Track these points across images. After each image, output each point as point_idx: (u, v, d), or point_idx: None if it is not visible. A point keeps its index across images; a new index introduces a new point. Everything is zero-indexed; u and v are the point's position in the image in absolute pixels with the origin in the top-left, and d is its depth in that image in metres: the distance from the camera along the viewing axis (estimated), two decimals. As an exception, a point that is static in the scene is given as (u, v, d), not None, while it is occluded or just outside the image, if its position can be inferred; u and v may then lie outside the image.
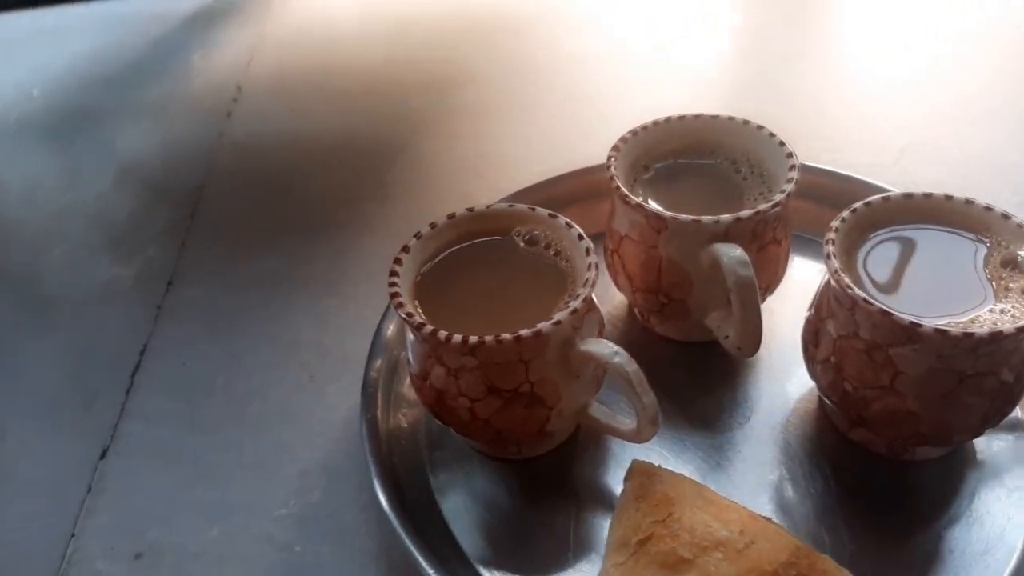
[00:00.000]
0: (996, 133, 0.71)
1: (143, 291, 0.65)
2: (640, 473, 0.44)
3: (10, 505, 0.52)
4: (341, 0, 1.03)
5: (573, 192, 0.62)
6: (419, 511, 0.46)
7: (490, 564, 0.45)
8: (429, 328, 0.42)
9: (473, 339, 0.41)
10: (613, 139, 0.52)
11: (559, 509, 0.47)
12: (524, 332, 0.42)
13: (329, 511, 0.49)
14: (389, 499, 0.45)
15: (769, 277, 0.51)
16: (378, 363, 0.53)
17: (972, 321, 0.41)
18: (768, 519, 0.41)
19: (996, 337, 0.39)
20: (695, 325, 0.52)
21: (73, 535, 0.50)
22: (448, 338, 0.42)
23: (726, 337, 0.49)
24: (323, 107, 0.85)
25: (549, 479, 0.49)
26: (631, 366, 0.42)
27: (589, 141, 0.69)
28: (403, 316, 0.43)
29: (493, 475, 0.49)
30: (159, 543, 0.49)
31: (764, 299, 0.52)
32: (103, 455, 0.54)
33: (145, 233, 0.71)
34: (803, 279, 0.54)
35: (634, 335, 0.56)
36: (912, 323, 0.39)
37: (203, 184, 0.76)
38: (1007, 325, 0.39)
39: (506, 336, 0.41)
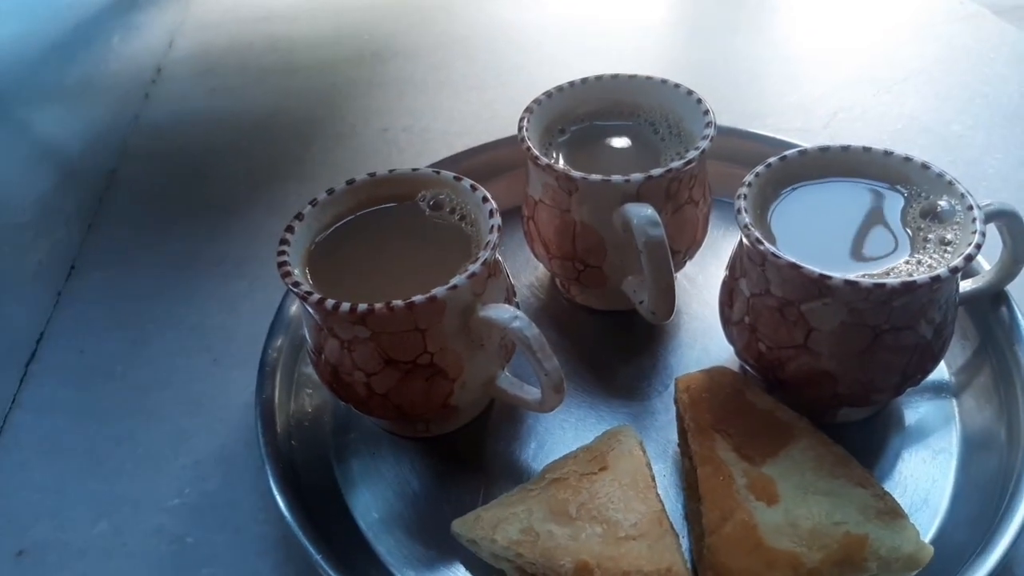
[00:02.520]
0: (926, 95, 0.69)
1: (44, 278, 0.62)
2: (615, 435, 0.42)
3: None
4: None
5: (496, 163, 0.60)
6: (318, 497, 0.44)
7: (392, 552, 0.42)
8: (316, 297, 0.39)
9: (362, 307, 0.39)
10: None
11: (469, 488, 0.44)
12: (417, 298, 0.39)
13: (225, 500, 0.46)
14: (281, 484, 0.42)
15: (687, 240, 0.49)
16: (278, 342, 0.50)
17: (887, 273, 0.38)
18: (676, 535, 0.38)
19: (909, 287, 0.36)
20: (613, 292, 0.49)
21: (-48, 533, 0.47)
22: (336, 307, 0.39)
23: (641, 302, 0.47)
24: (244, 87, 0.82)
25: (459, 457, 0.46)
26: (531, 330, 0.39)
27: (517, 114, 0.66)
28: (289, 286, 0.41)
29: (400, 455, 0.46)
30: (43, 539, 0.46)
31: (683, 264, 0.50)
32: (-10, 448, 0.51)
33: (52, 219, 0.67)
34: (727, 244, 0.52)
35: (555, 306, 0.54)
36: (821, 275, 0.37)
37: (115, 167, 0.72)
38: (921, 275, 0.37)
39: (397, 303, 0.39)
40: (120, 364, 0.55)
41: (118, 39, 0.91)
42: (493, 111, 0.74)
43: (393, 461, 0.46)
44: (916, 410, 0.45)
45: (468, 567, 0.41)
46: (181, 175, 0.71)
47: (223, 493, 0.47)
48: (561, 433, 0.46)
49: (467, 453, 0.46)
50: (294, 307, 0.51)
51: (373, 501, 0.44)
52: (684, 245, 0.48)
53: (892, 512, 0.36)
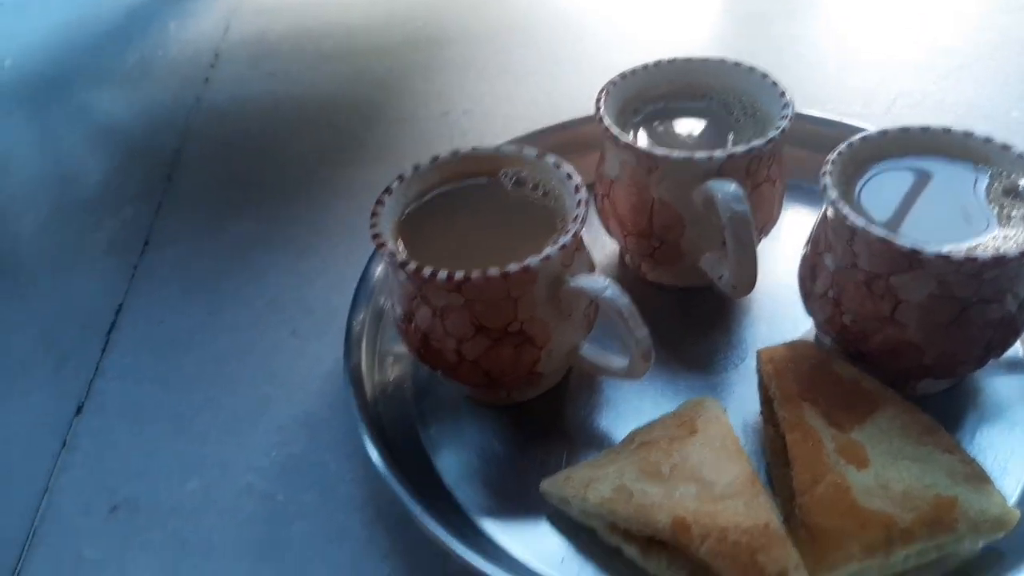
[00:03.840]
0: (984, 82, 0.70)
1: (118, 253, 0.64)
2: (699, 403, 0.43)
3: (-21, 464, 0.50)
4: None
5: (559, 146, 0.59)
6: (406, 458, 0.45)
7: (481, 509, 0.43)
8: (413, 265, 0.41)
9: (459, 275, 0.40)
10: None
11: (551, 453, 0.45)
12: (511, 267, 0.40)
13: (311, 462, 0.48)
14: (374, 444, 0.43)
15: (764, 217, 0.50)
16: (361, 315, 0.51)
17: (975, 248, 0.39)
18: (770, 495, 0.39)
19: (1000, 261, 0.37)
20: (688, 269, 0.50)
21: (47, 491, 0.48)
22: (433, 275, 0.40)
23: (720, 277, 0.48)
24: (302, 71, 0.83)
25: (540, 424, 0.47)
26: (623, 299, 0.41)
27: (574, 99, 0.67)
28: (386, 256, 0.42)
29: (482, 421, 0.48)
30: (135, 497, 0.47)
31: (759, 240, 0.51)
32: (78, 412, 0.52)
33: (120, 196, 0.69)
34: (798, 223, 0.53)
35: (625, 283, 0.54)
36: (913, 249, 0.38)
37: (180, 148, 0.74)
38: (1011, 249, 0.38)
39: (493, 271, 0.40)
40: (199, 334, 0.56)
41: (174, 25, 0.93)
42: (552, 96, 0.75)
43: (475, 426, 0.47)
44: (994, 383, 0.46)
45: (555, 524, 0.42)
46: (244, 157, 0.73)
47: (309, 455, 0.48)
48: (639, 403, 0.47)
49: (547, 420, 0.47)
50: (376, 276, 0.53)
51: (457, 462, 0.46)
52: (761, 222, 0.50)
53: (979, 477, 0.37)
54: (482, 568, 0.38)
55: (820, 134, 0.58)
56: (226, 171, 0.71)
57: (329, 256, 0.61)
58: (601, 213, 0.53)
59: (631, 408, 0.47)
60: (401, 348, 0.50)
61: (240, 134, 0.75)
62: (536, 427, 0.47)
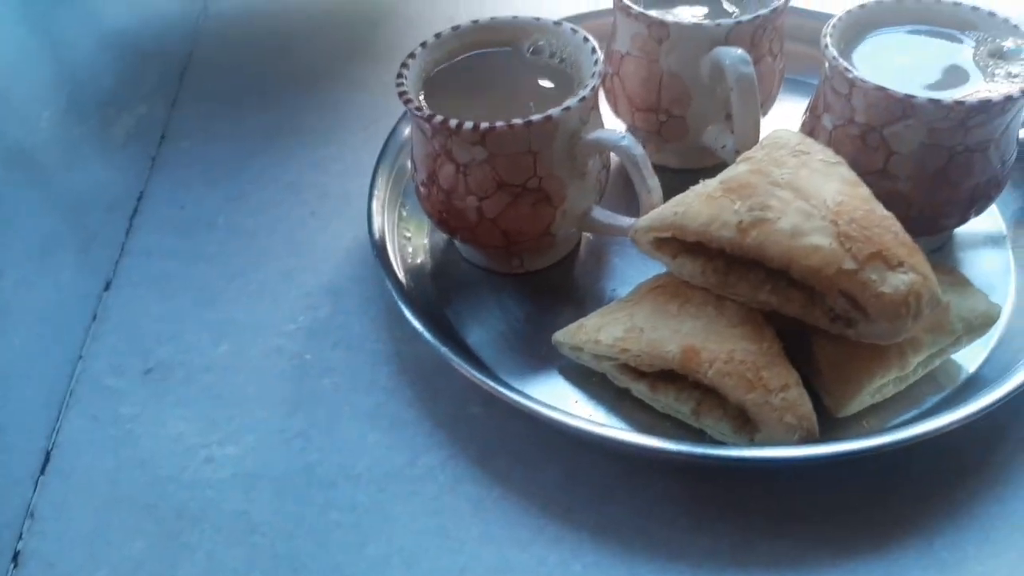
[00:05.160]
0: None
1: (136, 145, 0.65)
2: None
3: (12, 335, 0.52)
4: None
5: None
6: (428, 318, 0.47)
7: (499, 363, 0.46)
8: (439, 118, 0.43)
9: (484, 125, 0.42)
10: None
11: (562, 314, 0.48)
12: (535, 117, 0.42)
13: (337, 324, 0.50)
14: (403, 301, 0.46)
15: (764, 92, 0.52)
16: (380, 192, 0.53)
17: (963, 97, 0.42)
18: (771, 326, 0.42)
19: (985, 105, 0.40)
20: (691, 148, 0.53)
21: (80, 357, 0.50)
22: (459, 126, 0.42)
23: (723, 147, 0.50)
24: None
25: (552, 289, 0.50)
26: (638, 148, 0.43)
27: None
28: (412, 110, 0.44)
29: (498, 290, 0.50)
30: (168, 360, 0.50)
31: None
32: (107, 287, 0.54)
33: (134, 95, 0.70)
34: (796, 113, 0.55)
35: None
36: (907, 95, 0.41)
37: (191, 52, 0.75)
38: (995, 95, 0.41)
39: (517, 121, 0.42)
40: (221, 216, 0.58)
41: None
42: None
43: (492, 294, 0.50)
44: (974, 253, 0.49)
45: (567, 375, 0.46)
46: (255, 58, 0.74)
47: (335, 319, 0.51)
48: (644, 268, 0.49)
49: (559, 286, 0.50)
50: (398, 146, 0.55)
51: (477, 324, 0.48)
52: (762, 97, 0.52)
53: (963, 283, 0.43)
54: (506, 396, 0.41)
55: (819, 30, 0.61)
56: (238, 71, 0.72)
57: (344, 144, 0.63)
58: (609, 94, 0.55)
59: (637, 273, 0.49)
60: (417, 227, 0.53)
61: (249, 38, 0.77)
62: (548, 292, 0.50)
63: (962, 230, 0.50)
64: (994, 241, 0.51)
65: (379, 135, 0.58)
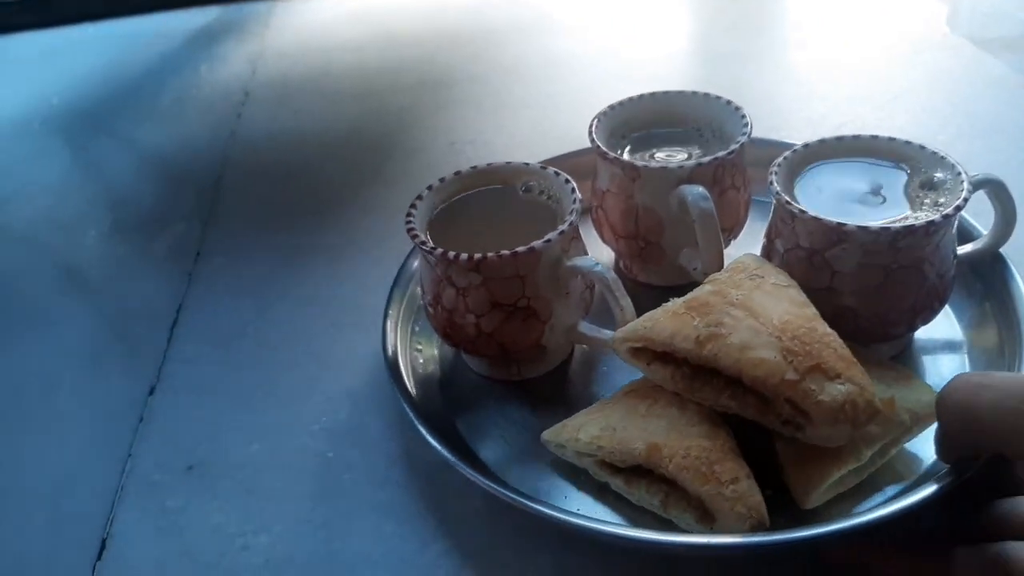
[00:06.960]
0: (915, 111, 0.82)
1: (174, 262, 0.73)
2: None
3: (69, 435, 0.59)
4: (334, 12, 1.13)
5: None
6: (435, 424, 0.53)
7: (496, 462, 0.52)
8: (440, 250, 0.51)
9: (478, 255, 0.50)
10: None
11: (555, 416, 0.52)
12: (520, 248, 0.50)
13: (355, 425, 0.57)
14: (411, 409, 0.52)
15: (731, 220, 0.60)
16: (393, 311, 0.60)
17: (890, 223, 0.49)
18: (727, 425, 0.47)
19: (910, 230, 0.47)
20: (670, 267, 0.60)
21: (129, 455, 0.57)
22: (456, 256, 0.50)
23: (695, 268, 0.58)
24: (325, 109, 0.94)
25: (546, 395, 0.56)
26: (609, 274, 0.51)
27: (564, 129, 0.79)
28: (419, 244, 0.52)
29: (498, 395, 0.57)
30: (207, 458, 0.56)
31: (728, 242, 0.61)
32: (151, 392, 0.61)
33: (171, 215, 0.79)
34: (762, 232, 0.62)
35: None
36: (839, 223, 0.48)
37: (220, 175, 0.84)
38: (919, 221, 0.48)
39: (505, 252, 0.50)
40: (251, 327, 0.66)
41: (205, 68, 1.04)
42: (545, 127, 0.86)
43: (492, 399, 0.56)
44: (932, 358, 0.55)
45: (556, 470, 0.52)
46: (279, 182, 0.83)
47: (354, 420, 0.57)
48: (629, 374, 0.55)
49: (553, 392, 0.57)
50: (408, 275, 0.63)
51: (479, 427, 0.54)
52: (729, 224, 0.59)
53: (907, 376, 0.48)
54: (502, 493, 0.47)
55: (777, 155, 0.68)
56: (263, 194, 0.81)
57: (360, 263, 0.71)
58: (596, 223, 0.62)
59: (623, 378, 0.55)
60: (427, 340, 0.60)
61: (274, 164, 0.86)
62: (543, 397, 0.56)
63: (922, 337, 0.56)
64: (951, 347, 0.56)
65: (389, 252, 0.65)
